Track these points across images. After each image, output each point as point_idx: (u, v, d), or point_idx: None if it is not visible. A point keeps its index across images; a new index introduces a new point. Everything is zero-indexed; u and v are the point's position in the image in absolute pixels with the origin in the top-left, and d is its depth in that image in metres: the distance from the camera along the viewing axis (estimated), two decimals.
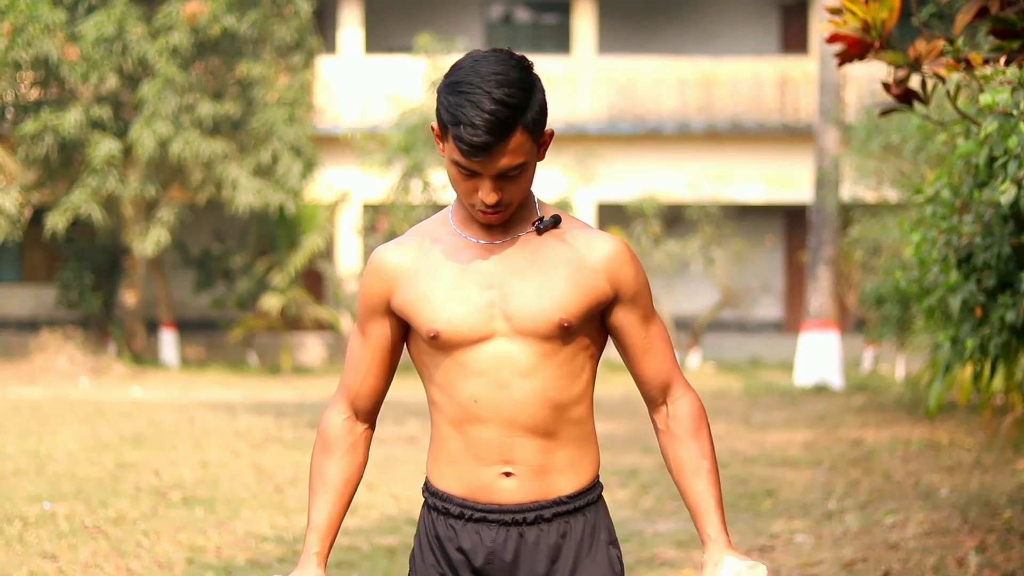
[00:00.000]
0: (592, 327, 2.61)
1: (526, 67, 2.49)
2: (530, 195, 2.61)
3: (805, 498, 8.65)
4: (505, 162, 2.47)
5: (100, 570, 6.42)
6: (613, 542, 2.67)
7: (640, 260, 2.70)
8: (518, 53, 2.51)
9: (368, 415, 2.73)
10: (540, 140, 2.53)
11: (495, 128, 2.42)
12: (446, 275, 2.57)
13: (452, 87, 2.47)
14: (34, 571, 6.35)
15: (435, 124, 2.53)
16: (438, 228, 2.64)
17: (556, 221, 2.60)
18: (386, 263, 2.63)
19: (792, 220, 24.55)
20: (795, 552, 6.95)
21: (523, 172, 2.51)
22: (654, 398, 2.68)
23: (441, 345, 2.56)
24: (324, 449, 2.72)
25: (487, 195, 2.49)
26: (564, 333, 2.55)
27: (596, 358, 2.65)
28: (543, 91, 2.52)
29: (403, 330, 2.67)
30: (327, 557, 2.69)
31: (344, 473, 2.70)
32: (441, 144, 2.52)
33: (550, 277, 2.55)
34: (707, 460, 2.63)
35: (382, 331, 2.67)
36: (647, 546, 7.04)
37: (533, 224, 2.59)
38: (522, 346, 2.54)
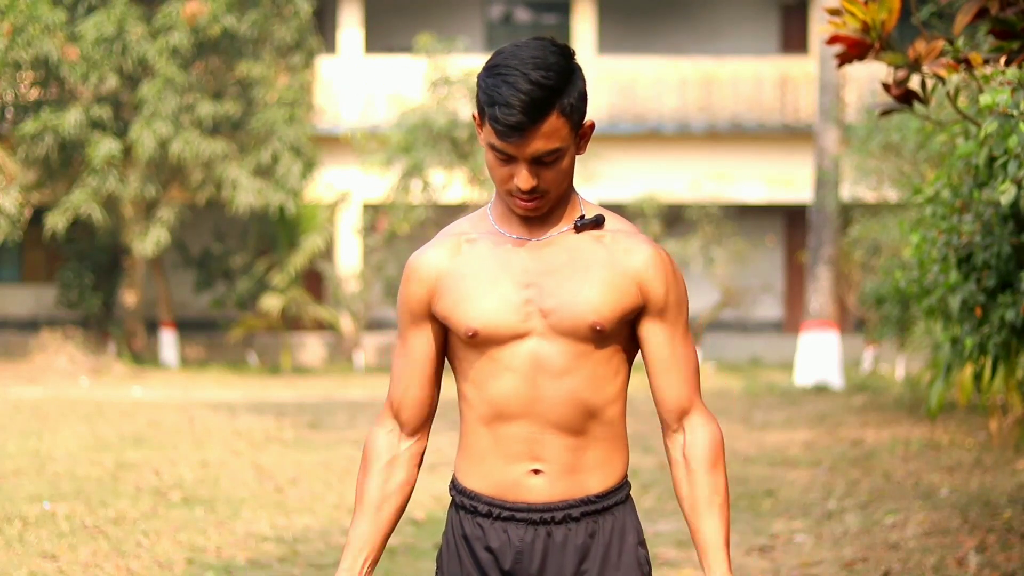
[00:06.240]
0: (628, 332, 2.57)
1: (567, 54, 2.47)
2: (573, 193, 2.58)
3: (805, 498, 8.65)
4: (539, 145, 2.44)
5: (100, 570, 6.42)
6: (641, 543, 2.65)
7: None
8: (561, 42, 2.50)
9: (414, 428, 2.65)
10: (579, 130, 2.50)
11: (529, 108, 2.40)
12: (484, 272, 2.54)
13: (491, 70, 2.45)
14: (34, 571, 6.34)
15: (475, 112, 2.52)
16: (476, 224, 2.61)
17: (599, 221, 2.57)
18: (424, 267, 2.59)
19: (792, 220, 24.55)
20: (795, 552, 6.94)
21: (559, 159, 2.47)
22: (668, 422, 2.60)
23: (479, 343, 2.53)
24: (363, 466, 2.66)
25: (523, 180, 2.46)
26: (598, 336, 2.51)
27: (630, 363, 2.61)
28: (584, 80, 2.49)
29: (444, 334, 2.62)
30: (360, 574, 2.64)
31: (380, 490, 2.64)
32: (480, 131, 2.51)
33: (586, 279, 2.51)
34: (720, 496, 2.56)
35: (425, 338, 2.61)
36: (647, 546, 7.03)
37: (575, 223, 2.56)
38: (557, 346, 2.51)
